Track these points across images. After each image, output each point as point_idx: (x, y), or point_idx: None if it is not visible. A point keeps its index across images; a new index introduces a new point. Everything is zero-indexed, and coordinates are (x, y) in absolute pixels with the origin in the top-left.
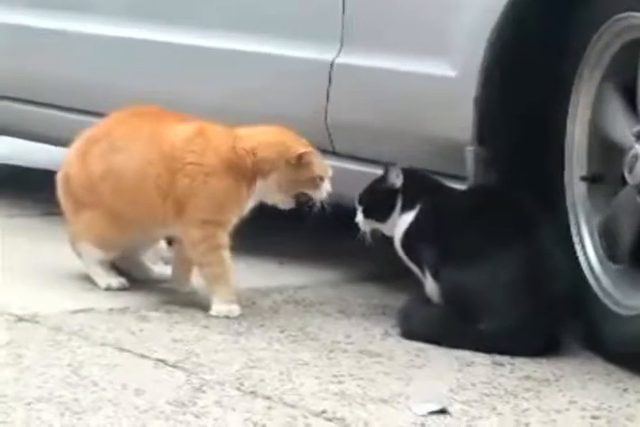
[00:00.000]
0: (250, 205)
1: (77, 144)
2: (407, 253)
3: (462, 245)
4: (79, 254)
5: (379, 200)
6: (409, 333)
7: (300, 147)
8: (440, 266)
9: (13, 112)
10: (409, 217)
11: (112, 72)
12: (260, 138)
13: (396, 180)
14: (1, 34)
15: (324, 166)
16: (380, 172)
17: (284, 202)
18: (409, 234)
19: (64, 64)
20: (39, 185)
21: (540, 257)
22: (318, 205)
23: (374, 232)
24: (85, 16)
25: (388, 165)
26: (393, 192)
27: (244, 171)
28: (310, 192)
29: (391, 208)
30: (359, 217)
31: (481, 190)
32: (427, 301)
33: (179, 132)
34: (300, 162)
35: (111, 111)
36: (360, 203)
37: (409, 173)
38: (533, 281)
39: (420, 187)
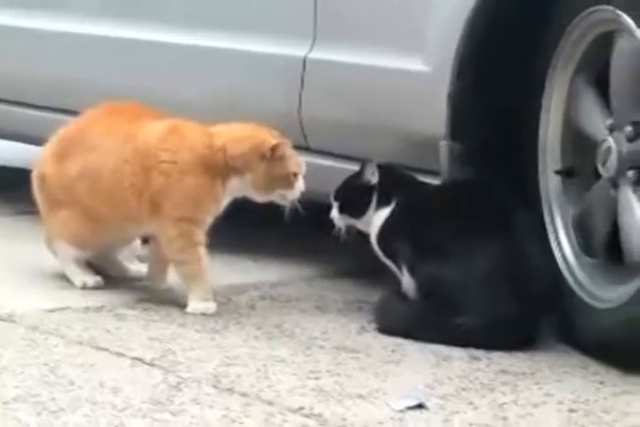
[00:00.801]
0: (225, 202)
1: (52, 142)
2: (383, 248)
3: (438, 240)
4: (54, 253)
5: (354, 196)
6: (386, 328)
7: (273, 139)
8: (416, 261)
9: None
10: (384, 213)
11: (87, 70)
12: (232, 134)
13: (372, 176)
14: None
15: (299, 162)
16: (354, 167)
17: (263, 199)
18: (385, 230)
19: (37, 63)
20: (13, 184)
21: (518, 251)
22: (291, 204)
23: (349, 228)
24: (61, 14)
25: (363, 161)
26: (368, 188)
27: (219, 168)
28: (284, 191)
29: (367, 204)
30: (334, 213)
31: (457, 185)
32: (403, 296)
33: (152, 130)
34: (274, 155)
35: (85, 109)
36: (335, 199)
37: (384, 169)
38: (510, 275)
39: (395, 183)
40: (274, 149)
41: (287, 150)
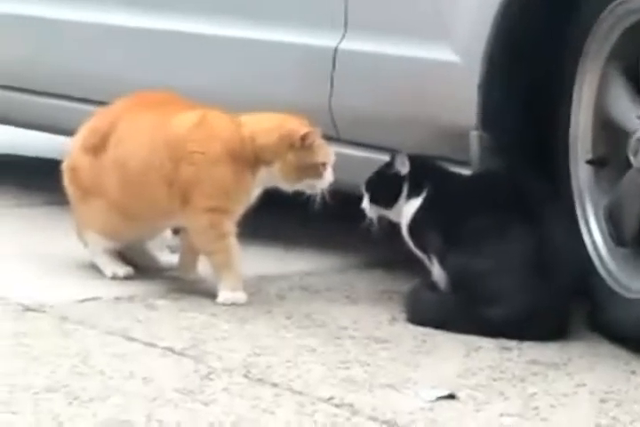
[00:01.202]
0: (256, 192)
1: (82, 133)
2: (414, 239)
3: (469, 231)
4: (85, 243)
5: (385, 187)
6: (416, 319)
7: (302, 128)
8: (447, 252)
9: (13, 101)
10: (416, 203)
11: (113, 61)
12: (261, 124)
13: (403, 167)
14: None
15: (328, 152)
16: (385, 158)
17: (292, 189)
18: (416, 220)
19: (62, 53)
20: (42, 174)
21: (548, 242)
22: (320, 194)
23: (380, 219)
24: (79, 4)
25: (394, 152)
26: (399, 179)
27: (248, 158)
28: (313, 181)
29: (398, 195)
30: (365, 203)
31: (487, 175)
32: (433, 286)
33: (182, 120)
34: (303, 144)
35: (113, 100)
36: (367, 189)
37: (415, 160)
38: (541, 266)
39: (426, 173)
40: (303, 138)
41: (317, 139)
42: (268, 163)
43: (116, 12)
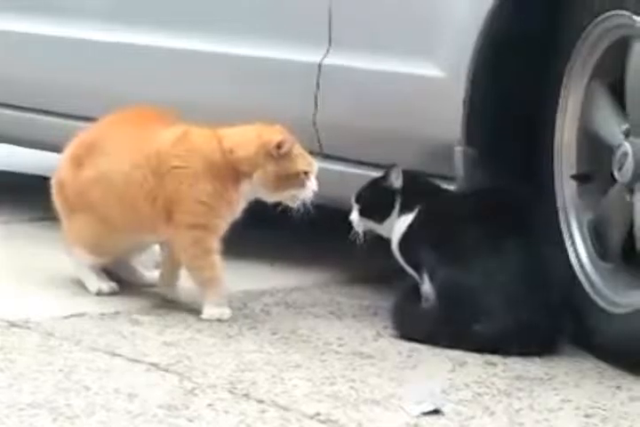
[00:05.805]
0: (241, 207)
1: (69, 149)
2: (404, 255)
3: (459, 248)
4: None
5: (378, 201)
6: (405, 332)
7: (277, 137)
8: (437, 268)
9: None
10: (407, 219)
11: (101, 77)
12: (239, 137)
13: (396, 180)
14: None
15: (309, 161)
16: (369, 173)
17: (275, 200)
18: (407, 237)
19: (49, 69)
20: (28, 190)
21: (537, 259)
22: (303, 205)
23: (366, 232)
24: (66, 20)
25: (389, 166)
26: (392, 193)
27: (229, 171)
28: (296, 191)
29: (390, 209)
30: (354, 216)
31: (479, 193)
32: (417, 298)
33: (164, 136)
34: (279, 152)
35: (100, 115)
36: (357, 202)
37: (409, 176)
38: (529, 283)
39: (419, 189)
40: (278, 146)
41: (294, 147)
42: (249, 175)
43: (105, 28)
